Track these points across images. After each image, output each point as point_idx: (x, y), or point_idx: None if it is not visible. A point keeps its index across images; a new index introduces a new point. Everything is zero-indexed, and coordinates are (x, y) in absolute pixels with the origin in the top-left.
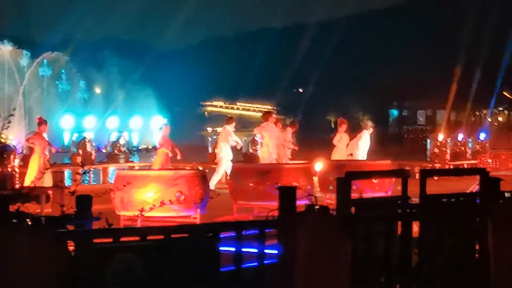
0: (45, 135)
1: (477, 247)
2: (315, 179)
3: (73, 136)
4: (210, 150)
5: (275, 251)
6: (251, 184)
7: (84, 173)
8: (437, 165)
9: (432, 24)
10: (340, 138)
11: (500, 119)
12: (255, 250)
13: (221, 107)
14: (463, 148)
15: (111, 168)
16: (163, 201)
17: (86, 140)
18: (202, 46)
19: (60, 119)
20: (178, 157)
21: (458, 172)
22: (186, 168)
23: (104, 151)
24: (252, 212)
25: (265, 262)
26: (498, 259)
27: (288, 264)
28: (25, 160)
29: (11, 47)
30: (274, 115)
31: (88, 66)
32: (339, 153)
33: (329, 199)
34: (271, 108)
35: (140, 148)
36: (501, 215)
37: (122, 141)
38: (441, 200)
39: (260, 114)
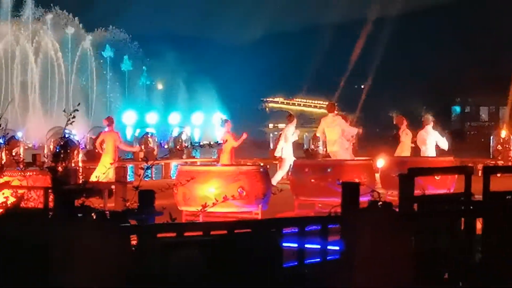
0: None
1: None
2: (377, 175)
3: (135, 132)
4: (271, 146)
5: (337, 247)
6: (312, 180)
7: (147, 168)
8: (500, 162)
9: (495, 18)
10: (406, 134)
11: None
12: (318, 246)
13: (282, 103)
14: None
15: (173, 164)
16: (226, 196)
17: (148, 135)
18: (263, 42)
19: (122, 115)
20: (244, 136)
21: None
22: (248, 164)
23: (166, 146)
24: (313, 208)
25: (327, 258)
26: None
27: (351, 260)
28: (89, 155)
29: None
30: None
31: (150, 62)
32: (404, 149)
33: (391, 195)
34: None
35: (202, 143)
36: None
37: (184, 137)
38: (505, 197)
39: (321, 110)
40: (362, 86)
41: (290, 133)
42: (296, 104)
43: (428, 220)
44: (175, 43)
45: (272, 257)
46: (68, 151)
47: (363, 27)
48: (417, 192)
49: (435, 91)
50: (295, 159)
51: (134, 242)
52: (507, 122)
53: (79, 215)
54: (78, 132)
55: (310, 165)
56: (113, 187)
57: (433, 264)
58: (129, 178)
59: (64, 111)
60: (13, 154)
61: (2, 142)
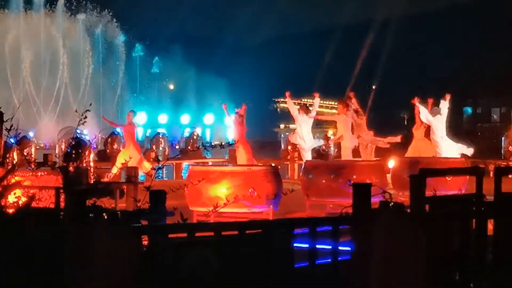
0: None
1: None
2: (388, 176)
3: (147, 132)
4: (282, 146)
5: (348, 248)
6: (324, 181)
7: (159, 168)
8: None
9: (508, 19)
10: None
11: None
12: (329, 247)
13: (293, 103)
14: None
15: (185, 164)
16: (237, 196)
17: (159, 136)
18: (275, 43)
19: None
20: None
21: None
22: (259, 164)
23: (177, 147)
24: (324, 208)
25: (339, 259)
26: None
27: (362, 261)
28: (100, 155)
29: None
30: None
31: (162, 62)
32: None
33: (403, 196)
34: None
35: (213, 144)
36: None
37: (195, 137)
38: None
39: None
40: (373, 87)
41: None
42: (308, 105)
43: (439, 221)
44: (186, 44)
45: (283, 257)
46: (80, 151)
47: (374, 28)
48: (428, 193)
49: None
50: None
51: (145, 242)
52: None
53: (91, 215)
54: (89, 132)
55: (321, 166)
56: (124, 187)
57: (445, 264)
58: (140, 178)
59: (76, 111)
60: (25, 154)
61: (14, 142)
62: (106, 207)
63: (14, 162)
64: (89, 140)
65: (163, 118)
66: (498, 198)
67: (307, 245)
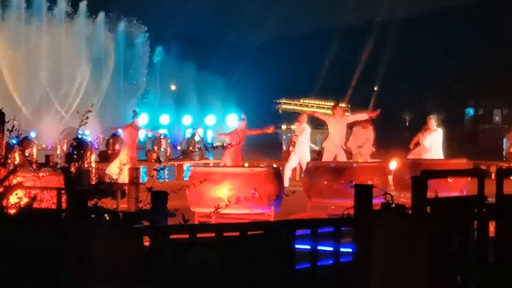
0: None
1: None
2: (390, 177)
3: (148, 133)
4: (284, 147)
5: (349, 250)
6: (325, 182)
7: (160, 169)
8: None
9: (509, 21)
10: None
11: None
12: (330, 249)
13: (295, 104)
14: None
15: (186, 165)
16: (239, 197)
17: (161, 137)
18: (277, 44)
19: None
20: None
21: None
22: (261, 165)
23: (179, 148)
24: (326, 210)
25: (340, 260)
26: None
27: (364, 262)
28: (102, 156)
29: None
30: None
31: (164, 62)
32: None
33: (404, 197)
34: (345, 106)
35: (215, 145)
36: None
37: (197, 138)
38: None
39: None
40: (375, 88)
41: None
42: (309, 106)
43: (441, 223)
44: (188, 45)
45: (285, 259)
46: (81, 151)
47: (376, 29)
48: (429, 194)
49: (448, 93)
50: (308, 160)
51: (147, 243)
52: None
53: (92, 215)
54: (91, 133)
55: (323, 167)
56: (126, 188)
57: (446, 266)
58: (142, 179)
59: (77, 112)
60: (27, 154)
61: (15, 142)
62: (107, 207)
63: (16, 162)
64: (90, 141)
65: (164, 119)
66: (499, 200)
67: (308, 247)
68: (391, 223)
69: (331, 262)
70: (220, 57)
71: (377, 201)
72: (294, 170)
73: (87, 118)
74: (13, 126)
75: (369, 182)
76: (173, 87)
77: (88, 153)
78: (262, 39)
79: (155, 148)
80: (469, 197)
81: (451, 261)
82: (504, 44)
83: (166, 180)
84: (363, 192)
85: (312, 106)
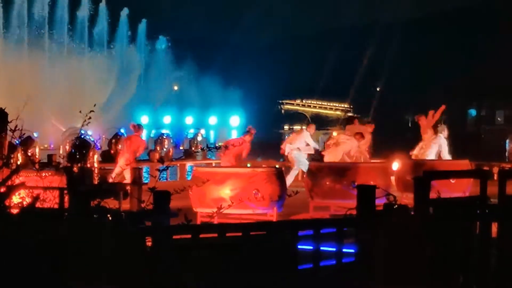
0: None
1: None
2: (392, 178)
3: (151, 133)
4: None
5: (352, 250)
6: (328, 183)
7: (163, 169)
8: None
9: None
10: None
11: None
12: (333, 249)
13: (297, 105)
14: None
15: (189, 165)
16: (241, 198)
17: (164, 136)
18: (280, 45)
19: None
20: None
21: None
22: (263, 166)
23: (181, 148)
24: (328, 210)
25: (343, 260)
26: None
27: (367, 262)
28: (104, 156)
29: None
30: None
31: (167, 63)
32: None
33: (406, 198)
34: (347, 107)
35: (217, 145)
36: None
37: (199, 138)
38: None
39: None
40: (378, 89)
41: (310, 141)
42: (312, 106)
43: (443, 224)
44: (191, 45)
45: (287, 259)
46: (84, 151)
47: (379, 30)
48: (432, 195)
49: (451, 94)
50: (309, 162)
51: (149, 243)
52: None
53: (95, 216)
54: (94, 133)
55: (326, 168)
56: (128, 188)
57: (448, 267)
58: (144, 180)
59: (80, 111)
60: (29, 154)
61: (18, 142)
62: (110, 208)
63: (19, 162)
64: (93, 141)
65: (167, 119)
66: (502, 201)
67: (311, 247)
68: (394, 223)
69: (334, 262)
70: (223, 57)
71: (379, 202)
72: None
73: (90, 118)
74: (16, 126)
75: (372, 183)
76: (175, 87)
77: (91, 153)
78: (265, 40)
79: (158, 148)
80: (472, 198)
81: (453, 262)
82: (507, 45)
83: (169, 180)
84: (366, 193)
85: (315, 107)
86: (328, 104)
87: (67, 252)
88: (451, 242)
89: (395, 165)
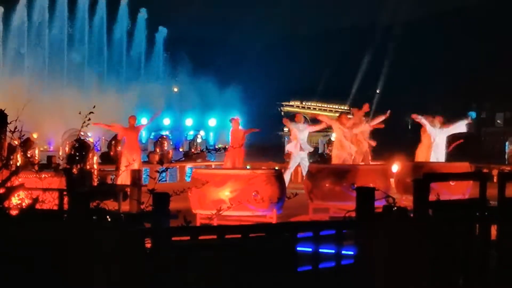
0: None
1: None
2: (392, 180)
3: (150, 135)
4: (286, 150)
5: (351, 252)
6: (327, 185)
7: (162, 171)
8: None
9: None
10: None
11: None
12: (332, 251)
13: (297, 107)
14: None
15: (188, 167)
16: (241, 200)
17: (163, 138)
18: (280, 46)
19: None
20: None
21: None
22: (263, 167)
23: (181, 149)
24: (328, 212)
25: (342, 262)
26: None
27: (366, 264)
28: (103, 158)
29: None
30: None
31: (166, 64)
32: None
33: (406, 200)
34: (347, 109)
35: (217, 147)
36: None
37: (199, 140)
38: None
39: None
40: (378, 91)
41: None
42: (312, 108)
43: (443, 226)
44: (190, 46)
45: (287, 261)
46: (83, 153)
47: (379, 31)
48: (431, 197)
49: (451, 96)
50: (309, 163)
51: (148, 245)
52: None
53: (94, 217)
54: (93, 134)
55: (325, 170)
56: (127, 189)
57: (448, 269)
58: (144, 181)
59: (79, 112)
60: (29, 155)
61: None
62: (109, 209)
63: (18, 164)
64: (93, 142)
65: (166, 121)
66: (502, 203)
67: (310, 249)
68: (393, 225)
69: (333, 264)
70: (223, 59)
71: (379, 204)
72: (295, 171)
73: (89, 119)
74: (15, 127)
75: (371, 185)
76: (175, 89)
77: (90, 155)
78: (265, 41)
79: (157, 149)
80: (471, 200)
81: (453, 264)
82: (508, 47)
83: (168, 182)
84: (365, 195)
85: (315, 109)
86: (328, 106)
87: (66, 253)
88: (450, 244)
89: (395, 167)
